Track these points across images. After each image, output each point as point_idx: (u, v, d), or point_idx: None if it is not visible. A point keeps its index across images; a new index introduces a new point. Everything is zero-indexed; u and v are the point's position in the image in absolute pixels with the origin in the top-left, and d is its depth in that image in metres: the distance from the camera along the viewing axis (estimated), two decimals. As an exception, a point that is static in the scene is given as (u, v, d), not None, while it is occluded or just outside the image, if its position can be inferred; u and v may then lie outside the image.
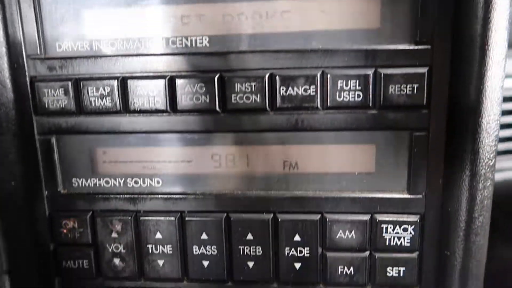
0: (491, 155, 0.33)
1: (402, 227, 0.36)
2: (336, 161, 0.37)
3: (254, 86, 0.34)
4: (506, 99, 0.59)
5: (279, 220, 0.37)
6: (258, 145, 0.37)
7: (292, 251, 0.38)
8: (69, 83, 0.36)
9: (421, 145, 0.35)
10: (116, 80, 0.36)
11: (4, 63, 0.36)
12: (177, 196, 0.38)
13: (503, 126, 0.61)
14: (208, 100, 0.35)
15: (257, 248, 0.38)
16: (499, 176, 0.72)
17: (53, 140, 0.38)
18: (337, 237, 0.37)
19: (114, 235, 0.39)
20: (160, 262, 0.39)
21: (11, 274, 0.42)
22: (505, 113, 0.60)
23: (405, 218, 0.36)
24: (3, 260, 0.41)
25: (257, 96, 0.35)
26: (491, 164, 0.34)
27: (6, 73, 0.36)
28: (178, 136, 0.37)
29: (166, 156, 0.38)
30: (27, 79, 0.37)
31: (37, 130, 0.38)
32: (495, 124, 0.33)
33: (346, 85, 0.34)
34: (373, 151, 0.36)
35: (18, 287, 0.42)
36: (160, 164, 0.39)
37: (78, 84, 0.36)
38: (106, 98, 0.36)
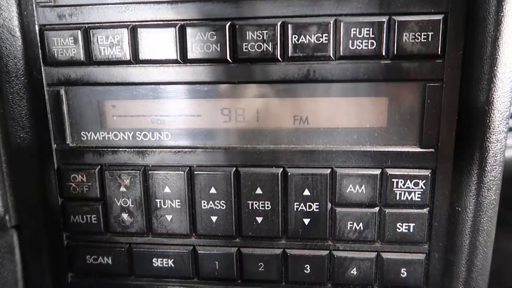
0: (506, 107, 0.33)
1: (413, 182, 0.36)
2: (347, 115, 0.36)
3: (266, 34, 0.34)
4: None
5: (289, 174, 0.37)
6: (268, 98, 0.37)
7: (301, 206, 0.38)
8: (79, 31, 0.36)
9: (435, 97, 0.34)
10: (126, 29, 0.35)
11: (13, 10, 0.36)
12: (186, 150, 0.38)
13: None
14: (219, 49, 0.35)
15: (266, 203, 0.38)
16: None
17: (62, 91, 0.38)
18: (347, 191, 0.37)
19: (122, 189, 0.39)
20: (169, 217, 0.39)
21: (19, 229, 0.42)
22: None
23: (416, 172, 0.36)
24: (11, 215, 0.41)
25: (268, 45, 0.34)
26: (505, 116, 0.33)
27: (15, 21, 0.36)
28: (187, 88, 0.37)
29: (175, 110, 0.38)
30: (36, 27, 0.36)
31: (46, 81, 0.38)
32: (511, 73, 0.32)
33: (360, 33, 0.33)
34: (385, 104, 0.36)
35: (26, 241, 0.42)
36: (169, 118, 0.38)
37: (87, 32, 0.36)
38: (115, 48, 0.36)
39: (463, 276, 0.37)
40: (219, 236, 0.39)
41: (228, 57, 0.35)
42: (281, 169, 0.37)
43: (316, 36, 0.34)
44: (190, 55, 0.35)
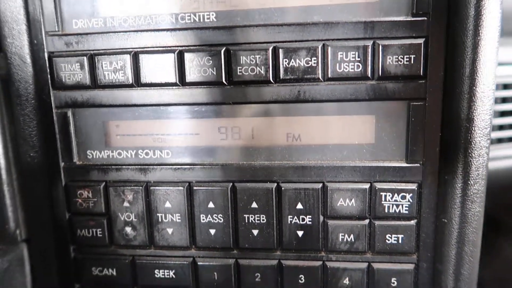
0: (486, 123, 0.35)
1: (400, 195, 0.38)
2: (337, 132, 0.39)
3: (259, 58, 0.36)
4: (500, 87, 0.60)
5: (282, 189, 0.39)
6: (263, 117, 0.39)
7: (295, 219, 0.40)
8: (85, 58, 0.38)
9: (419, 114, 0.36)
10: (128, 55, 0.38)
11: (24, 39, 0.39)
12: (186, 166, 0.40)
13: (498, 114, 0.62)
14: (215, 73, 0.37)
15: (261, 216, 0.40)
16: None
17: (69, 113, 0.40)
18: (338, 205, 0.39)
19: (126, 204, 0.41)
20: (169, 231, 0.41)
21: (29, 242, 0.44)
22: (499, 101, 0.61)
23: (403, 186, 0.38)
24: (21, 229, 0.43)
25: (261, 68, 0.36)
26: (486, 132, 0.35)
27: (26, 49, 0.39)
28: (186, 109, 0.39)
29: (175, 129, 0.40)
30: (46, 54, 0.39)
31: (54, 104, 0.40)
32: (490, 91, 0.34)
33: (346, 57, 0.35)
34: (372, 121, 0.38)
35: (35, 254, 0.44)
36: (170, 137, 0.41)
37: (93, 58, 0.38)
38: (119, 72, 0.38)
39: (451, 285, 0.39)
40: (217, 248, 0.41)
41: (224, 80, 0.37)
42: (275, 184, 0.39)
43: (305, 59, 0.36)
44: (188, 78, 0.38)
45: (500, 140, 0.67)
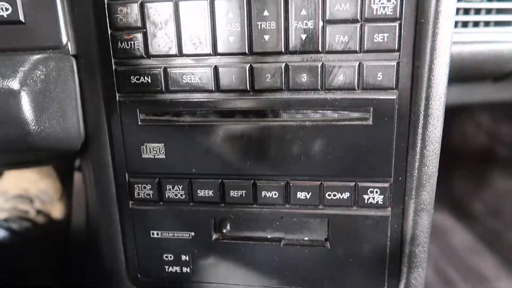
0: None
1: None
2: None
3: None
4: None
5: None
6: None
7: (299, 24, 0.48)
8: None
9: None
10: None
11: None
12: None
13: None
14: None
15: (271, 23, 0.48)
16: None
17: None
18: (335, 9, 0.47)
19: (159, 20, 0.50)
20: (195, 42, 0.50)
21: (77, 58, 0.53)
22: None
23: (389, -9, 0.46)
24: (71, 44, 0.52)
25: None
26: None
27: None
28: None
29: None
30: None
31: None
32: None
33: None
34: None
35: (82, 68, 0.53)
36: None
37: None
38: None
39: (426, 78, 0.48)
40: (235, 53, 0.50)
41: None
42: None
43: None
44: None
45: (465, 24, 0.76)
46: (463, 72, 0.83)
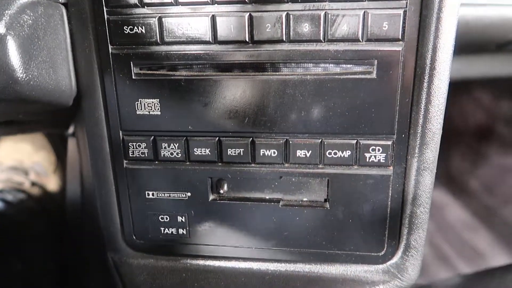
0: None
1: None
2: None
3: None
4: None
5: None
6: None
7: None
8: None
9: None
10: None
11: None
12: None
13: None
14: None
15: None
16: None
17: None
18: None
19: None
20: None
21: (67, 7, 0.50)
22: None
23: None
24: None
25: None
26: None
27: None
28: None
29: None
30: None
31: None
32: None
33: None
34: None
35: (73, 17, 0.50)
36: None
37: None
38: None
39: (433, 28, 0.46)
40: (234, 2, 0.47)
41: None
42: None
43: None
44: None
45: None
46: (467, 37, 0.81)
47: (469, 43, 0.88)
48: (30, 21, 0.44)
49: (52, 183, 1.38)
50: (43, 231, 1.16)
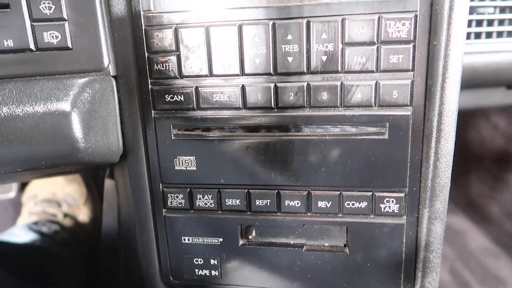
0: None
1: (401, 22, 0.50)
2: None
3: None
4: None
5: (311, 22, 0.51)
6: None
7: (320, 47, 0.52)
8: None
9: None
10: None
11: None
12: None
13: None
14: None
15: (294, 46, 0.52)
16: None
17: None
18: (353, 33, 0.51)
19: (191, 44, 0.55)
20: (225, 63, 0.55)
21: (116, 79, 0.58)
22: None
23: (404, 15, 0.50)
24: (112, 66, 0.57)
25: None
26: None
27: None
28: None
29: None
30: None
31: None
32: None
33: None
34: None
35: (121, 88, 0.58)
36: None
37: None
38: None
39: (438, 95, 0.51)
40: (261, 74, 0.54)
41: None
42: (306, 19, 0.52)
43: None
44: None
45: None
46: (476, 80, 0.86)
47: (479, 85, 0.93)
48: (89, 98, 0.51)
49: (83, 215, 1.46)
50: (75, 263, 1.22)
